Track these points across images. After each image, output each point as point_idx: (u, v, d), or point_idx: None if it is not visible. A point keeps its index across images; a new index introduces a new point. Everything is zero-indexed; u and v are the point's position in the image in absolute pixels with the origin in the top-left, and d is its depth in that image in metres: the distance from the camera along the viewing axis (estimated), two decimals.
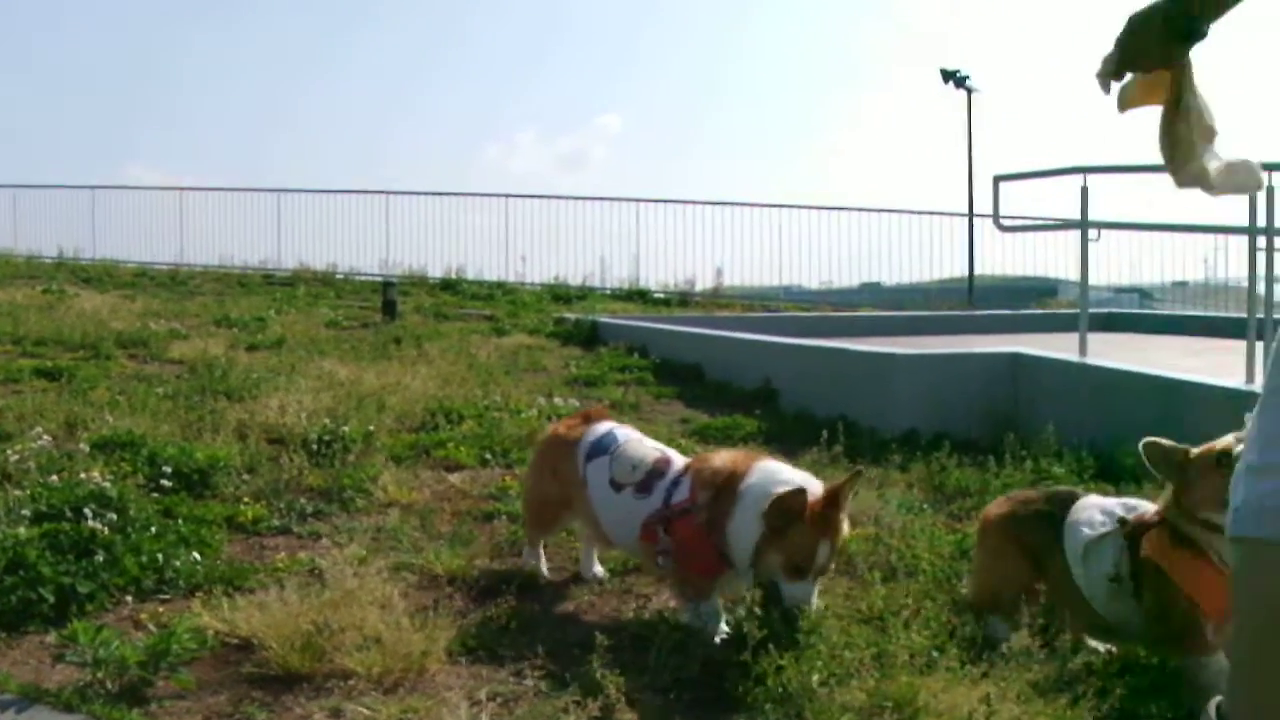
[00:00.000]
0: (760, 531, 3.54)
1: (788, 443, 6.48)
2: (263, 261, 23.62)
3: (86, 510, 4.30)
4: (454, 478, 5.76)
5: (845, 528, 3.67)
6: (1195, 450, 3.21)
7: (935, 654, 3.22)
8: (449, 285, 20.30)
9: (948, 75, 23.78)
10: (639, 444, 4.11)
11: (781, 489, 3.54)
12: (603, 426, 4.22)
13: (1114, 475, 5.61)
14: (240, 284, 20.29)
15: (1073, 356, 7.80)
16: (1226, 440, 3.13)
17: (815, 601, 3.55)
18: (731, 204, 22.32)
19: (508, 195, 23.36)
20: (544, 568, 4.38)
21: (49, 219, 29.86)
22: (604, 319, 13.03)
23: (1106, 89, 2.31)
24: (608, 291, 20.56)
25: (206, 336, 11.10)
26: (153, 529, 4.42)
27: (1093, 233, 8.39)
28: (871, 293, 23.74)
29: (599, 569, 4.39)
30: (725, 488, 3.68)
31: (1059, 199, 15.24)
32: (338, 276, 21.86)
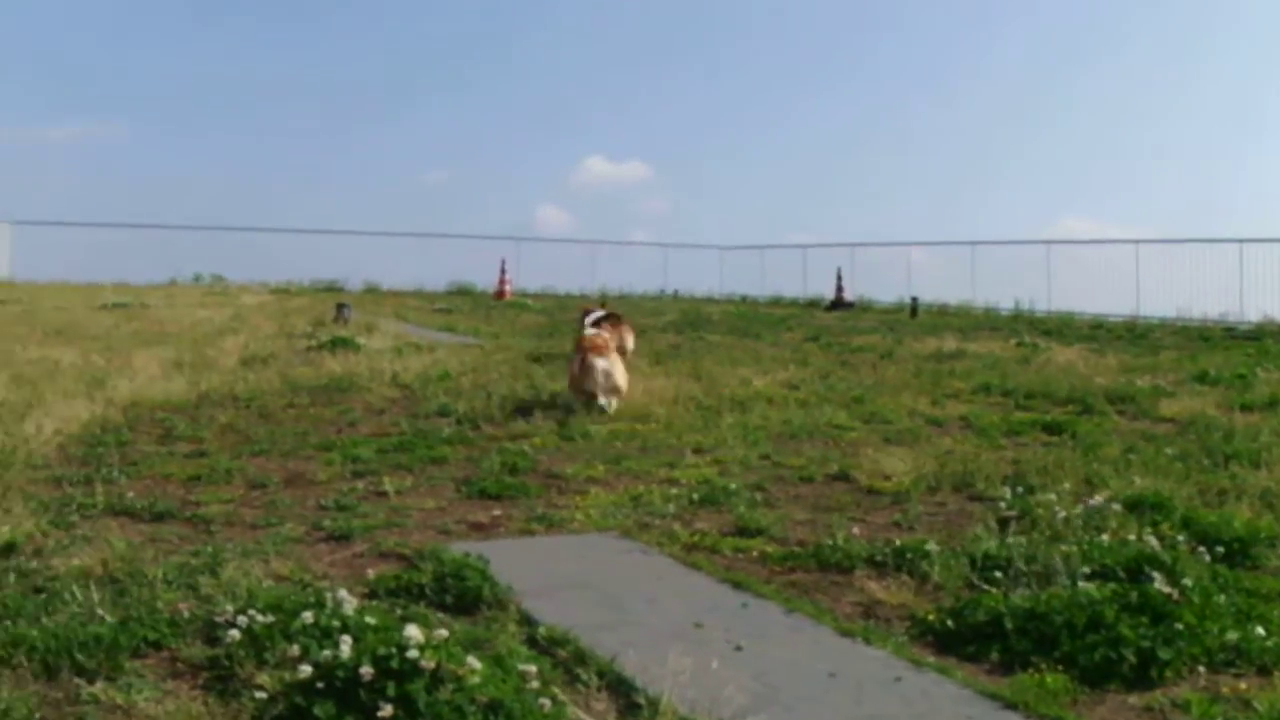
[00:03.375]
0: None
1: None
2: (1223, 314, 22.90)
3: (1153, 574, 4.36)
4: None
5: None
6: None
7: None
8: None
9: None
10: None
11: None
12: None
13: None
14: (1202, 337, 19.74)
15: None
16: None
17: None
18: None
19: None
20: None
21: (1003, 272, 31.80)
22: None
23: None
24: None
25: (1192, 394, 10.88)
26: (1211, 598, 4.37)
27: None
28: None
29: None
30: None
31: None
32: None
